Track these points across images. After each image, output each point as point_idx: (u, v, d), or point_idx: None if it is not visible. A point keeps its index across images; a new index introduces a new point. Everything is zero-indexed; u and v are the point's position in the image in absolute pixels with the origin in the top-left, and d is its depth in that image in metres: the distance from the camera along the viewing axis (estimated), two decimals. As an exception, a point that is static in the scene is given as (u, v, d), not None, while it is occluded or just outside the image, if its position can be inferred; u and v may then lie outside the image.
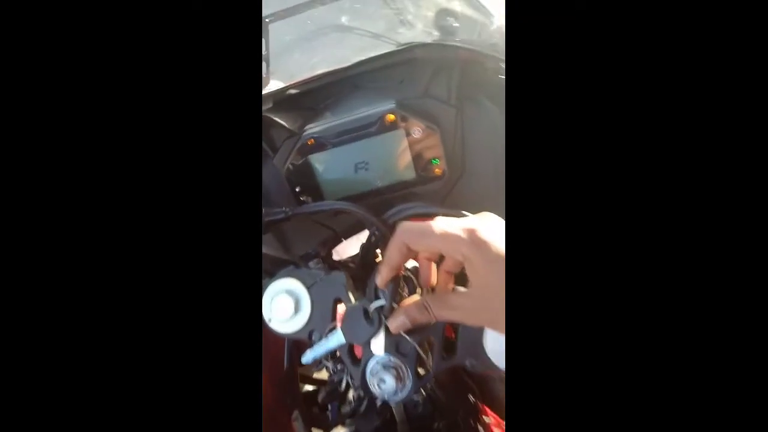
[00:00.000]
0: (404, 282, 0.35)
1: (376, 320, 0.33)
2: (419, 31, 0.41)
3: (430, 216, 0.46)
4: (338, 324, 0.35)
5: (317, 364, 0.43)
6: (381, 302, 0.33)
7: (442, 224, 0.30)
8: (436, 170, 0.46)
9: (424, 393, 0.40)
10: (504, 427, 0.38)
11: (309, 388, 0.55)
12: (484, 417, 0.39)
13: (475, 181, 0.51)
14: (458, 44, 0.43)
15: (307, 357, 0.36)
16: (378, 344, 0.34)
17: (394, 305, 0.33)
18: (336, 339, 0.34)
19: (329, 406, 0.45)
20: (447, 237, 0.29)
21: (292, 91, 0.47)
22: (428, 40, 0.43)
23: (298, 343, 0.50)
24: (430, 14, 0.43)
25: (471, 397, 0.42)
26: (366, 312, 0.34)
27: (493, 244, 0.27)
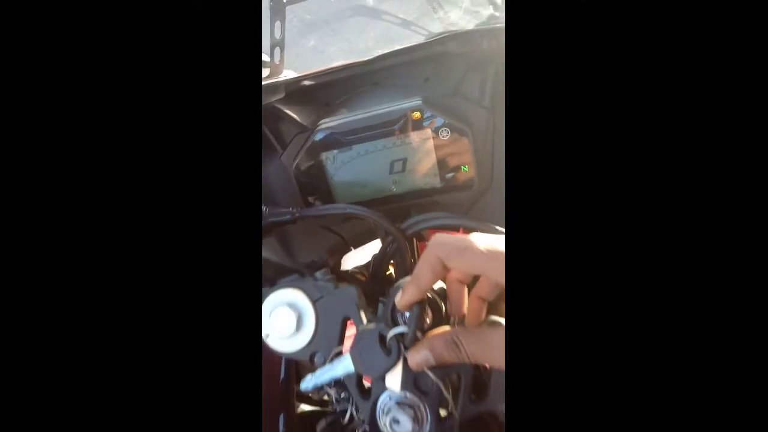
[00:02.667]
0: (429, 307, 0.30)
1: (394, 350, 0.28)
2: (459, 15, 0.36)
3: (456, 229, 0.42)
4: (346, 349, 0.30)
5: (318, 390, 0.37)
6: (402, 329, 0.28)
7: (486, 241, 0.25)
8: (464, 178, 0.41)
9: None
10: None
11: (306, 408, 0.50)
12: None
13: (501, 196, 0.46)
14: (497, 30, 0.39)
15: (307, 384, 0.31)
16: (393, 378, 0.29)
17: (419, 334, 0.28)
18: (343, 366, 0.29)
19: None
20: (493, 256, 0.24)
21: (307, 83, 0.42)
22: (470, 26, 0.39)
23: (298, 363, 0.45)
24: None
25: None
26: (383, 338, 0.28)
27: None
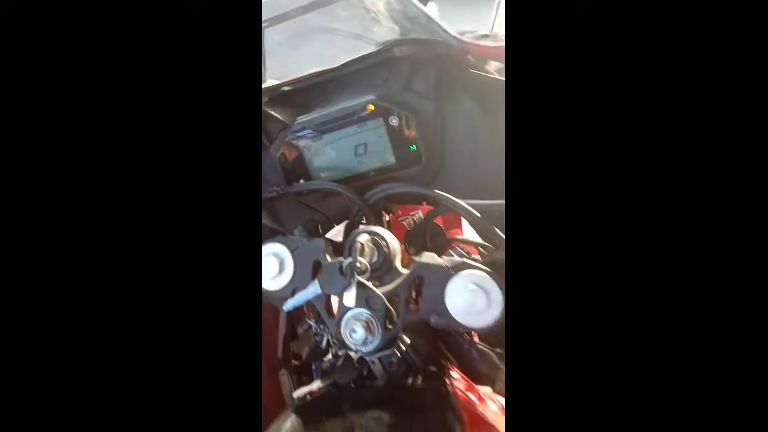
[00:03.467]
0: (373, 245, 0.40)
1: (348, 274, 0.38)
2: (386, 27, 0.46)
3: (410, 195, 0.51)
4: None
5: (303, 323, 0.47)
6: (350, 259, 0.38)
7: None
8: (413, 155, 0.51)
9: (399, 354, 0.44)
10: (474, 389, 0.42)
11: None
12: (454, 380, 0.42)
13: (454, 173, 0.56)
14: (432, 39, 0.49)
15: (288, 304, 0.40)
16: (349, 297, 0.38)
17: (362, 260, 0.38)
18: (313, 289, 0.39)
19: (313, 365, 0.49)
20: None
21: (286, 88, 0.53)
22: (399, 36, 0.49)
23: (293, 331, 0.54)
24: (398, 7, 0.49)
25: (442, 362, 0.46)
26: (340, 268, 0.38)
27: None
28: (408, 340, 0.44)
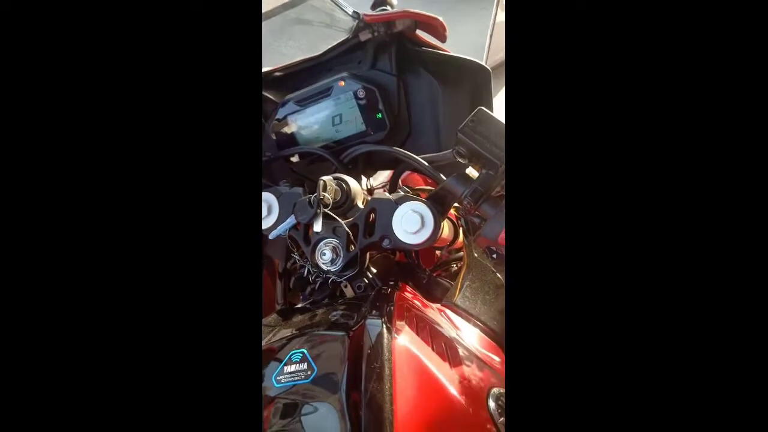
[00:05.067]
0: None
1: (315, 206, 0.48)
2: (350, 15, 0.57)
3: (375, 154, 0.61)
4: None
5: (290, 259, 0.58)
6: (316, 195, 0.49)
7: None
8: (379, 122, 0.61)
9: (366, 281, 0.54)
10: (419, 297, 0.51)
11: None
12: (405, 293, 0.52)
13: (420, 135, 0.66)
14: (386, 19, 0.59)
15: (273, 233, 0.51)
16: (318, 225, 0.49)
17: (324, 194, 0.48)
18: (290, 219, 0.50)
19: (301, 296, 0.60)
20: None
21: (278, 74, 0.65)
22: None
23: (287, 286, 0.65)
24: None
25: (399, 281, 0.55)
26: (309, 201, 0.49)
27: None
28: (375, 270, 0.55)
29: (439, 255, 0.72)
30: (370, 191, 0.72)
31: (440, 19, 0.56)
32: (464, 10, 3.10)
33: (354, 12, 0.56)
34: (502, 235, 0.37)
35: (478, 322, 0.50)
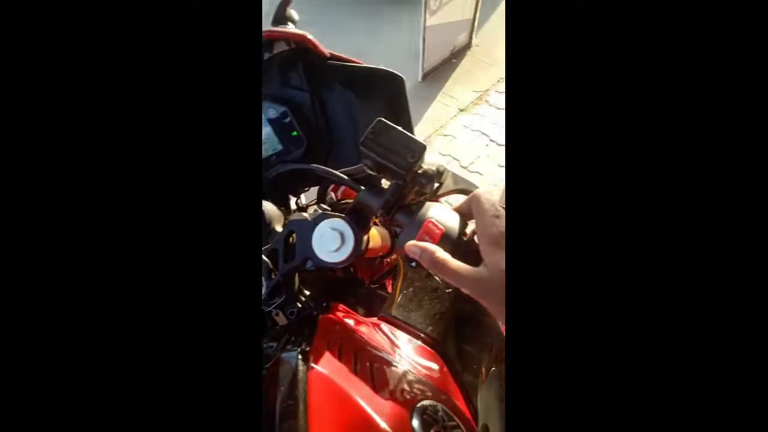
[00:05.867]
0: None
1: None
2: None
3: (293, 172, 0.60)
4: None
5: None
6: None
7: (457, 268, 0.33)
8: (296, 141, 0.60)
9: (300, 304, 0.52)
10: (352, 314, 0.50)
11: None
12: (336, 313, 0.50)
13: (342, 148, 0.65)
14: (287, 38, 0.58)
15: None
16: None
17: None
18: None
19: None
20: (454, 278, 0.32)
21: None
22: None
23: None
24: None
25: (332, 303, 0.54)
26: None
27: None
28: (308, 292, 0.53)
29: (389, 262, 0.71)
30: (303, 209, 0.70)
31: (307, 35, 0.55)
32: (393, 16, 3.16)
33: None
34: (410, 245, 0.36)
35: (415, 331, 0.49)
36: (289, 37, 0.54)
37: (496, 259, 0.31)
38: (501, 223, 0.32)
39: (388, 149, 0.39)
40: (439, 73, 2.73)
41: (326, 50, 0.57)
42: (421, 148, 0.39)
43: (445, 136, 2.36)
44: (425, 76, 2.66)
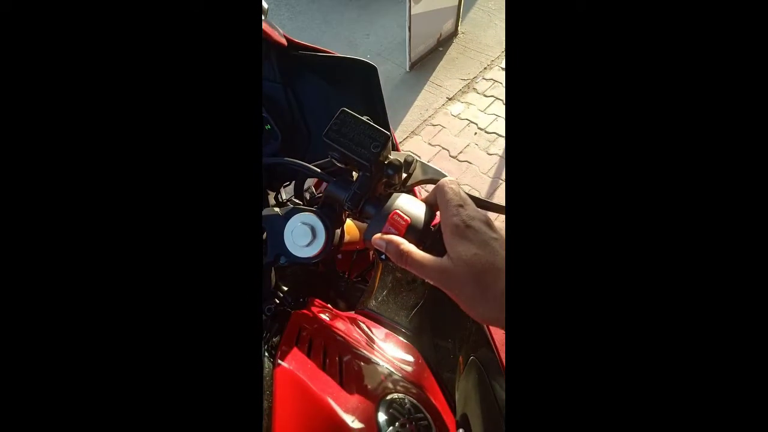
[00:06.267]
0: None
1: None
2: None
3: (266, 166, 0.59)
4: None
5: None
6: None
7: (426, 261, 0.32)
8: (271, 133, 0.59)
9: (278, 300, 0.51)
10: (329, 309, 0.50)
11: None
12: (311, 308, 0.50)
13: (320, 142, 0.64)
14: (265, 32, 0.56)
15: None
16: None
17: None
18: None
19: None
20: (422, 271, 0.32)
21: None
22: None
23: None
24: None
25: (309, 298, 0.53)
26: None
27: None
28: (285, 288, 0.52)
29: (370, 255, 0.71)
30: (281, 204, 0.69)
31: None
32: (381, 5, 3.12)
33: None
34: (375, 239, 0.36)
35: (391, 324, 0.49)
36: None
37: (459, 249, 0.30)
38: (464, 213, 0.32)
39: (351, 140, 0.39)
40: (426, 62, 2.70)
41: (282, 39, 0.56)
42: (384, 138, 0.39)
43: (433, 125, 2.35)
44: (412, 66, 2.64)
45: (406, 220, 0.36)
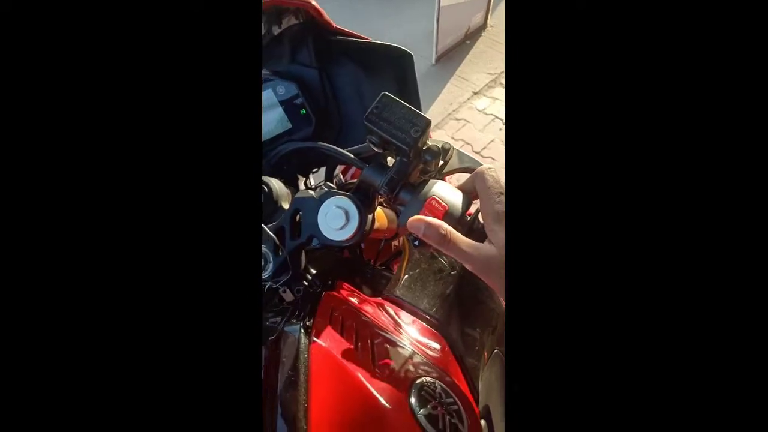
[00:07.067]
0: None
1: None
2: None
3: (300, 151, 0.59)
4: None
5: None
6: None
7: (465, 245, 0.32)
8: (304, 118, 0.59)
9: (306, 282, 0.52)
10: (357, 293, 0.50)
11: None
12: (340, 291, 0.51)
13: (352, 126, 0.64)
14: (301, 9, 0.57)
15: None
16: None
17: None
18: None
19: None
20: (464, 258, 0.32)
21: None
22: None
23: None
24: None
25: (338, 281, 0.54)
26: None
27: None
28: (314, 271, 0.53)
29: (396, 245, 0.71)
30: (311, 189, 0.70)
31: (311, 1, 0.53)
32: (410, -4, 3.09)
33: None
34: (413, 220, 0.36)
35: (418, 311, 0.49)
36: (293, 5, 0.53)
37: (500, 236, 0.30)
38: (505, 201, 0.32)
39: (392, 124, 0.39)
40: (453, 54, 2.67)
41: (333, 22, 0.56)
42: (425, 123, 0.38)
43: (457, 120, 2.32)
44: (439, 59, 2.61)
45: (443, 207, 0.36)
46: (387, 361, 0.35)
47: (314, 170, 0.71)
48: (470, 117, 2.33)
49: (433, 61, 2.61)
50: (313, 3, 0.53)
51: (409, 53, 0.59)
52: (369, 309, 0.46)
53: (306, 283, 0.51)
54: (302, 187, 0.67)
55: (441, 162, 0.43)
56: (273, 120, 0.60)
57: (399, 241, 0.77)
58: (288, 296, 0.53)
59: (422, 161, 0.41)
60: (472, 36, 2.75)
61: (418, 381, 0.33)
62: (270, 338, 0.34)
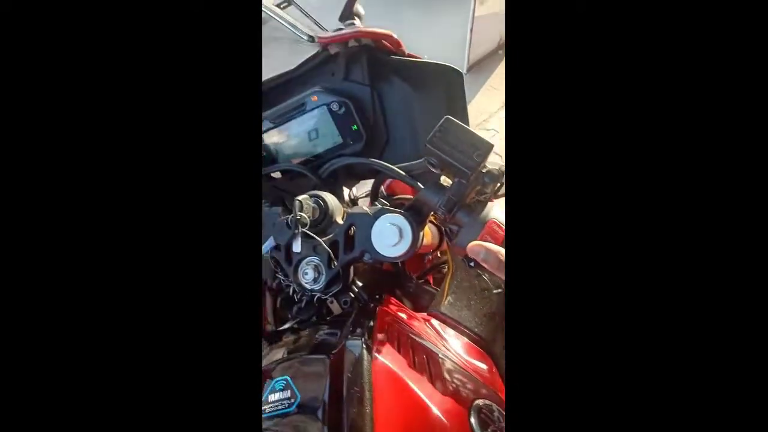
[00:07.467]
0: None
1: (293, 227, 0.48)
2: (307, 26, 0.57)
3: (351, 166, 0.61)
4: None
5: (275, 279, 0.58)
6: (295, 215, 0.48)
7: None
8: (356, 133, 0.61)
9: (353, 295, 0.54)
10: (404, 308, 0.51)
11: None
12: (390, 306, 0.52)
13: (398, 143, 0.65)
14: (356, 33, 0.59)
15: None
16: (297, 245, 0.49)
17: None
18: (269, 242, 0.50)
19: (289, 314, 0.60)
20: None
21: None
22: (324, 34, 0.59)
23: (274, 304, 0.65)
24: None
25: (385, 295, 0.55)
26: (287, 222, 0.49)
27: None
28: (360, 284, 0.55)
29: (430, 259, 0.72)
30: (354, 201, 0.71)
31: (393, 35, 0.56)
32: (443, 5, 3.10)
33: (309, 36, 0.57)
34: (473, 246, 0.37)
35: (464, 329, 0.50)
36: (377, 38, 0.56)
37: None
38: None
39: (454, 147, 0.40)
40: (484, 64, 2.66)
41: (405, 48, 0.58)
42: (487, 147, 0.39)
43: (487, 130, 2.31)
44: (470, 68, 2.61)
45: (503, 231, 0.37)
46: (443, 380, 0.36)
47: (356, 183, 0.73)
48: (500, 127, 2.31)
49: (465, 71, 2.61)
50: (395, 36, 0.56)
51: (459, 71, 0.60)
52: (417, 325, 0.47)
53: (352, 295, 0.53)
54: (347, 199, 0.69)
55: (498, 184, 0.44)
56: (326, 135, 0.62)
57: (433, 255, 0.78)
58: (335, 307, 0.54)
59: (480, 183, 0.42)
60: (504, 47, 2.73)
61: (476, 403, 0.34)
62: (332, 352, 0.36)
